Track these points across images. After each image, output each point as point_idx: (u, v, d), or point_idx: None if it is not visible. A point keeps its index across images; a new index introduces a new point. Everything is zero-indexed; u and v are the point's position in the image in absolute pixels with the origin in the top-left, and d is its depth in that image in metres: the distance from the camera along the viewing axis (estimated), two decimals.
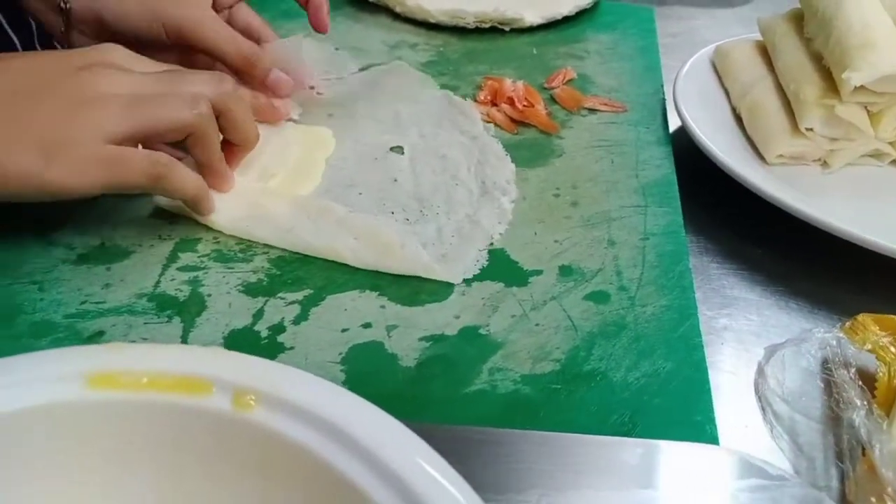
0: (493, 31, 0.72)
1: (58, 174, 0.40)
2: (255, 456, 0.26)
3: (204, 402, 0.27)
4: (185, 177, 0.43)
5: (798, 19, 0.62)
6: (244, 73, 0.52)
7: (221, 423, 0.26)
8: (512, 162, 0.53)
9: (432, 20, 0.72)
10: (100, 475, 0.27)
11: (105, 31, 0.51)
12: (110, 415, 0.27)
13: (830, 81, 0.55)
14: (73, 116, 0.40)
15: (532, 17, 0.72)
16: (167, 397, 0.27)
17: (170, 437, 0.27)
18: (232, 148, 0.47)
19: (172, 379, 0.27)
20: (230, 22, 0.57)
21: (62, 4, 0.51)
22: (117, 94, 0.42)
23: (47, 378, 0.27)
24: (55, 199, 0.41)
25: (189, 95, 0.42)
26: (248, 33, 0.55)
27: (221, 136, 0.46)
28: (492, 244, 0.47)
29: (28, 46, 0.59)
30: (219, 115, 0.44)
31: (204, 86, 0.44)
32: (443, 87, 0.63)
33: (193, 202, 0.45)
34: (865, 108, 0.54)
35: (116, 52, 0.44)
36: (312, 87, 0.58)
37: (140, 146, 0.42)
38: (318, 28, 0.58)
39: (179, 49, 0.52)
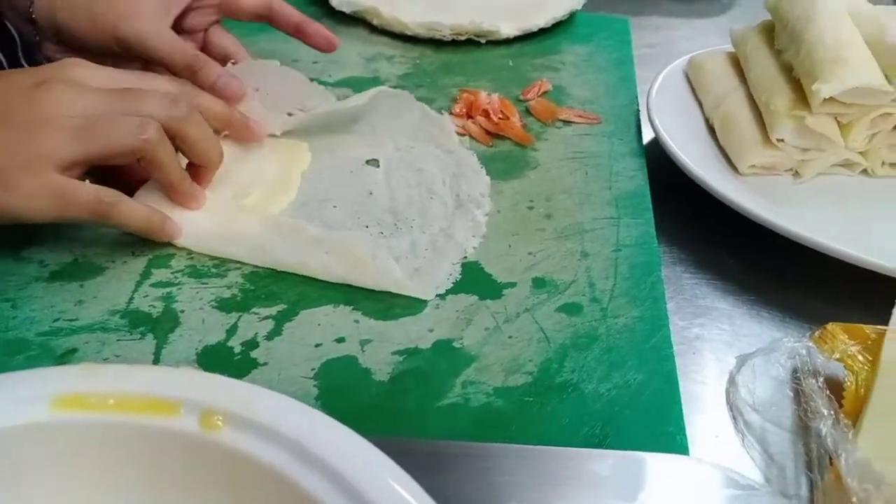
0: (469, 43, 0.72)
1: (9, 201, 0.41)
2: (224, 476, 0.27)
3: (172, 424, 0.27)
4: (130, 213, 0.44)
5: (769, 31, 0.63)
6: (195, 81, 0.52)
7: (189, 444, 0.27)
8: (487, 175, 0.54)
9: (409, 32, 0.72)
10: (68, 497, 0.27)
11: (70, 45, 0.52)
12: (78, 437, 0.27)
13: (801, 93, 0.55)
14: (22, 142, 0.41)
15: (508, 30, 0.72)
16: (135, 419, 0.27)
17: (138, 459, 0.27)
18: (197, 167, 0.47)
19: (140, 400, 0.27)
20: (206, 46, 0.57)
21: (31, 16, 0.51)
22: (67, 118, 0.42)
23: (14, 400, 0.27)
24: (7, 223, 0.42)
25: (138, 120, 0.43)
26: (224, 57, 0.56)
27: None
28: (465, 257, 0.47)
29: (13, 61, 0.60)
30: (173, 137, 0.44)
31: (155, 108, 0.44)
32: (419, 99, 0.63)
33: (145, 235, 0.45)
34: (836, 118, 0.55)
35: (74, 68, 0.44)
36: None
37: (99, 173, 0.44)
38: (328, 49, 0.60)
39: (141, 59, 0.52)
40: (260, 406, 0.27)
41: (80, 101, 0.42)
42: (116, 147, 0.42)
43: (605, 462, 0.35)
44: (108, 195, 0.42)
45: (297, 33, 0.59)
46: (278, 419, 0.26)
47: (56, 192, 0.41)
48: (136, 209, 0.44)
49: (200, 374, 0.28)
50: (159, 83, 0.47)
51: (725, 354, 0.44)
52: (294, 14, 0.59)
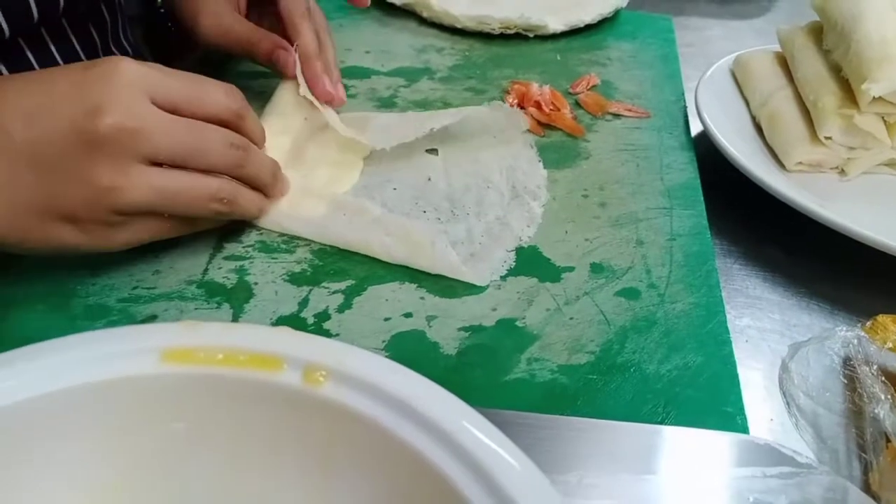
0: (517, 37, 0.74)
1: (89, 242, 0.40)
2: (324, 429, 0.28)
3: (276, 378, 0.28)
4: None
5: (817, 31, 0.64)
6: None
7: (292, 397, 0.28)
8: (544, 168, 0.55)
9: (458, 25, 0.73)
10: (174, 447, 0.29)
11: None
12: (186, 389, 0.28)
13: (849, 92, 0.57)
14: (96, 201, 0.39)
15: (555, 25, 0.74)
16: (241, 373, 0.28)
17: (242, 411, 0.28)
18: None
19: (246, 355, 0.28)
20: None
21: None
22: (135, 172, 0.39)
23: (125, 353, 0.29)
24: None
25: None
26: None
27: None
28: (520, 246, 0.48)
29: (104, 42, 0.62)
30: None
31: (221, 155, 0.42)
32: (468, 90, 0.65)
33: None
34: (882, 118, 0.56)
35: (122, 75, 0.39)
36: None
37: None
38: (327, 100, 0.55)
39: None
40: (359, 363, 0.28)
41: (142, 142, 0.39)
42: (188, 212, 0.42)
43: (667, 438, 0.37)
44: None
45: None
46: (378, 376, 0.28)
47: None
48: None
49: (299, 333, 0.30)
50: (211, 98, 0.43)
51: (777, 343, 0.45)
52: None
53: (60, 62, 0.61)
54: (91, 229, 0.39)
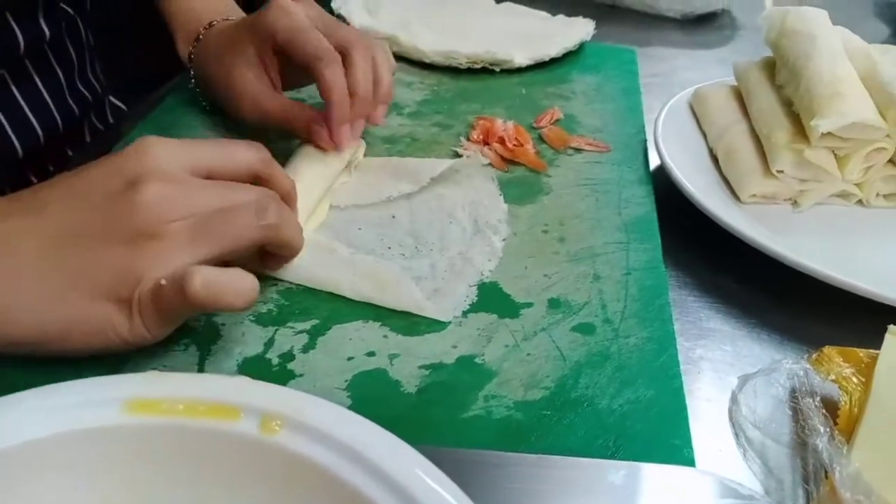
0: (484, 71, 0.76)
1: (137, 330, 0.39)
2: (279, 476, 0.29)
3: (233, 427, 0.29)
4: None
5: (770, 67, 0.66)
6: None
7: (249, 446, 0.29)
8: (504, 202, 0.57)
9: (427, 60, 0.75)
10: (137, 491, 0.30)
11: None
12: (149, 437, 0.30)
13: (800, 127, 0.59)
14: (133, 258, 0.38)
15: (521, 59, 0.76)
16: (201, 422, 0.30)
17: (203, 458, 0.30)
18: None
19: (206, 405, 0.30)
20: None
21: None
22: (171, 223, 0.39)
23: (89, 403, 0.30)
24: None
25: (252, 207, 0.40)
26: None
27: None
28: (482, 280, 0.50)
29: (71, 82, 0.63)
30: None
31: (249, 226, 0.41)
32: (437, 125, 0.67)
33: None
34: (833, 152, 0.58)
35: (156, 154, 0.40)
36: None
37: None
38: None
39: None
40: (314, 412, 0.30)
41: (182, 201, 0.39)
42: (238, 242, 0.40)
43: (617, 472, 0.38)
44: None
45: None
46: (332, 424, 0.29)
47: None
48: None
49: (257, 383, 0.31)
50: (239, 154, 0.44)
51: (728, 374, 0.47)
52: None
53: (23, 103, 0.62)
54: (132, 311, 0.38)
